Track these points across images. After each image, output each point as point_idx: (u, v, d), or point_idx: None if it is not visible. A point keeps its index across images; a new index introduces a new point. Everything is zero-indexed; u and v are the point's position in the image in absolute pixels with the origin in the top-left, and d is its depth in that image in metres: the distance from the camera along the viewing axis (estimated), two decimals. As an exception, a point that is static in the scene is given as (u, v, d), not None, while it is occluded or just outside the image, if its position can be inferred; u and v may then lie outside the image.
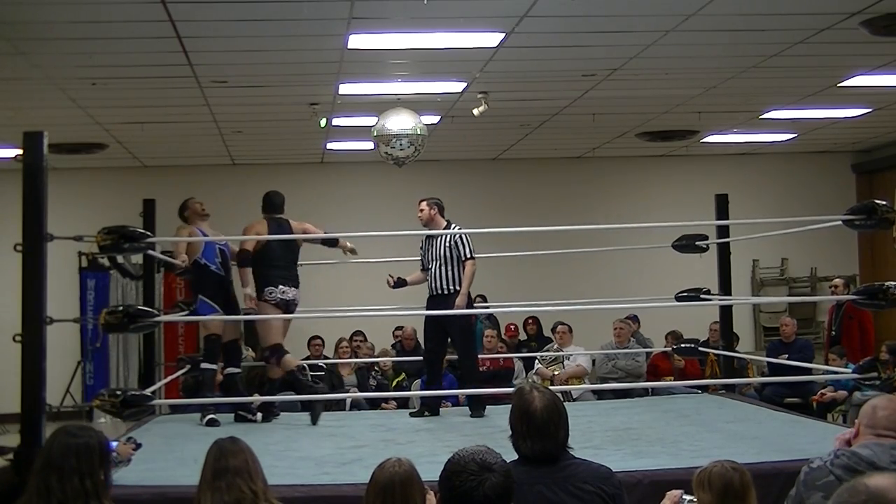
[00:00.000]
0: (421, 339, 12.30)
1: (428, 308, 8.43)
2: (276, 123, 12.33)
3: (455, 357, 11.68)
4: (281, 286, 8.18)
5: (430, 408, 8.48)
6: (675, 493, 3.85)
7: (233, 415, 8.28)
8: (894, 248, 14.85)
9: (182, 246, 8.13)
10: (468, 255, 8.28)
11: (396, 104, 10.07)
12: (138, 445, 5.79)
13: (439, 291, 8.33)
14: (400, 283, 8.74)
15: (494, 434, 6.24)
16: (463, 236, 8.31)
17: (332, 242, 8.64)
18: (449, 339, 8.61)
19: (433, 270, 8.35)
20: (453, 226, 8.45)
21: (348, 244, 8.74)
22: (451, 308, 8.11)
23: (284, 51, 9.02)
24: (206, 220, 8.42)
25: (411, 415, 8.58)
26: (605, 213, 14.90)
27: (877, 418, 3.88)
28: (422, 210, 8.52)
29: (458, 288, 8.26)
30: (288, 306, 8.24)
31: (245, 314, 8.31)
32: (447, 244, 8.30)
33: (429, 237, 8.47)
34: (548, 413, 3.72)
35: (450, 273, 8.28)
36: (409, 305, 10.28)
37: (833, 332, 11.85)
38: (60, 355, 12.39)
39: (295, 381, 8.38)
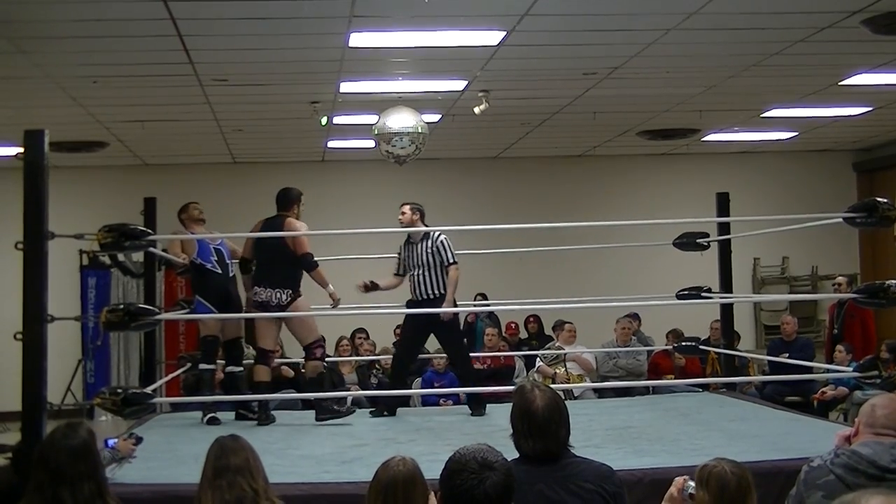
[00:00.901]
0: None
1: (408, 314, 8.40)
2: (277, 122, 12.33)
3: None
4: (255, 287, 8.02)
5: (388, 408, 8.37)
6: (680, 479, 3.84)
7: (233, 413, 8.28)
8: (895, 247, 14.84)
9: (177, 247, 8.18)
10: (451, 261, 8.28)
11: (397, 102, 10.07)
12: (139, 440, 5.79)
13: (423, 297, 8.29)
14: (373, 286, 8.66)
15: (495, 433, 6.24)
16: (444, 242, 8.30)
17: (308, 266, 8.02)
18: (442, 342, 8.64)
19: (416, 276, 8.33)
20: (436, 232, 8.37)
21: (334, 295, 8.22)
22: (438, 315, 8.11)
23: (285, 49, 9.02)
24: (202, 225, 8.44)
25: (372, 414, 8.39)
26: (606, 212, 14.90)
27: (876, 417, 3.88)
28: (403, 213, 8.43)
29: (441, 292, 8.25)
30: (264, 308, 7.95)
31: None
32: (429, 250, 8.28)
33: (408, 244, 8.44)
34: (549, 412, 3.72)
35: (433, 278, 8.27)
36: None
37: (835, 331, 11.84)
38: (61, 354, 12.39)
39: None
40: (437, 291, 8.27)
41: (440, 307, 8.12)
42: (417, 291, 8.34)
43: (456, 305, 8.52)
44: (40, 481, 3.74)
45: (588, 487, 3.66)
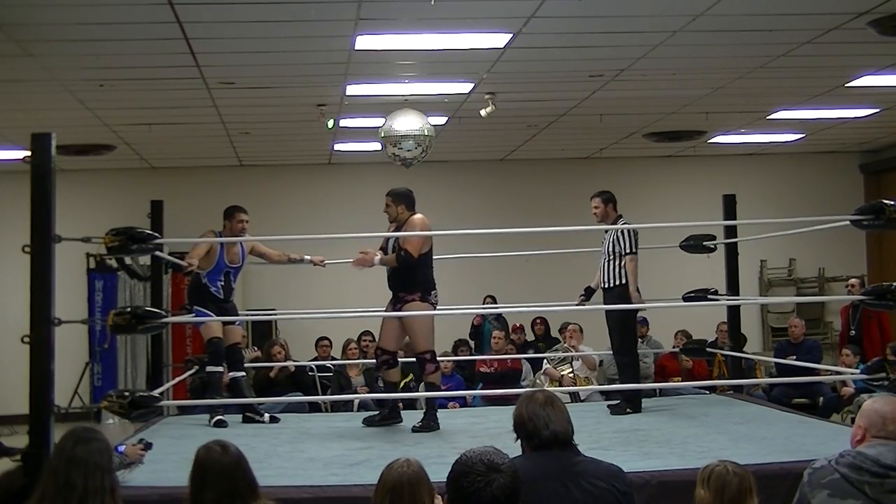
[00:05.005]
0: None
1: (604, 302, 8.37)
2: (283, 125, 12.34)
3: (460, 358, 11.76)
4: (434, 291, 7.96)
5: (632, 404, 8.27)
6: None
7: (241, 416, 8.29)
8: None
9: (201, 252, 7.95)
10: (629, 250, 8.21)
11: (404, 105, 10.07)
12: (149, 445, 5.79)
13: (603, 286, 8.38)
14: (589, 293, 8.74)
15: (502, 435, 6.23)
16: (626, 231, 8.23)
17: None
18: (609, 331, 8.54)
19: (601, 264, 8.38)
20: (622, 220, 8.37)
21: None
22: (615, 302, 8.09)
23: (292, 52, 9.03)
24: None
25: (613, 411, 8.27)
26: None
27: (889, 431, 3.85)
28: (597, 207, 8.41)
29: (618, 283, 8.22)
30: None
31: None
32: (613, 239, 8.27)
33: (606, 230, 8.39)
34: (546, 404, 3.77)
35: (613, 268, 8.27)
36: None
37: (852, 332, 11.80)
38: (68, 357, 12.42)
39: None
40: (613, 281, 8.26)
41: (617, 300, 8.11)
42: (600, 278, 8.40)
43: (639, 294, 8.27)
44: (55, 467, 3.75)
45: (600, 486, 3.68)
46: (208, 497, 3.78)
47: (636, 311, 8.56)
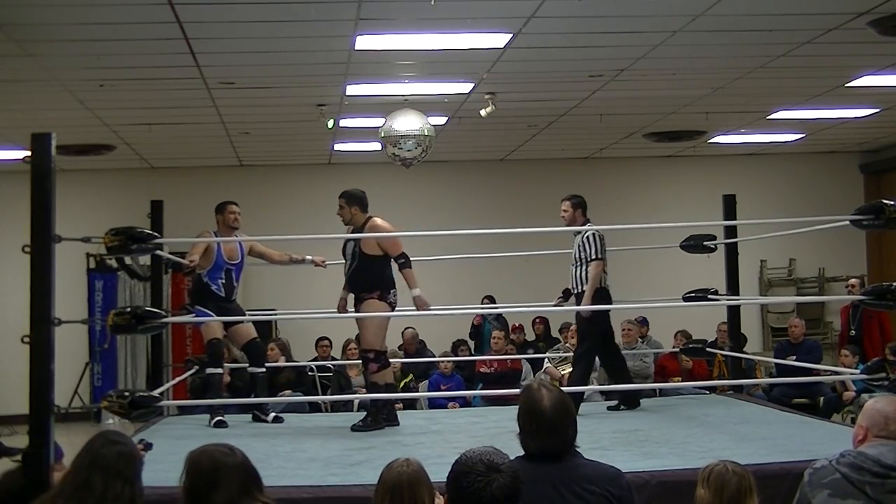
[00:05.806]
0: (427, 341, 12.39)
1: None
2: (283, 125, 12.34)
3: (460, 358, 11.77)
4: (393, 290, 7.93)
5: (626, 401, 8.46)
6: None
7: (250, 415, 8.26)
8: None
9: (199, 251, 7.95)
10: (593, 256, 8.18)
11: (404, 105, 10.08)
12: (149, 446, 5.78)
13: (574, 290, 8.38)
14: (566, 294, 8.71)
15: (502, 434, 6.23)
16: (591, 237, 8.20)
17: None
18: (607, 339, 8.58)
19: (571, 270, 8.38)
20: (588, 225, 8.36)
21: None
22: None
23: (292, 52, 9.03)
24: (234, 232, 8.25)
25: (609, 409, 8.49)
26: (613, 214, 14.84)
27: (889, 431, 3.85)
28: (565, 211, 8.41)
29: (585, 289, 8.22)
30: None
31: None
32: (578, 244, 8.28)
33: (575, 235, 8.38)
34: (556, 411, 3.71)
35: (580, 273, 8.28)
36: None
37: (853, 332, 11.79)
38: (69, 357, 12.41)
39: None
40: (581, 287, 8.28)
41: (580, 304, 8.14)
42: (572, 285, 8.42)
43: (604, 301, 8.26)
44: (78, 464, 3.72)
45: (594, 490, 3.64)
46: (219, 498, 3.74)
47: (606, 315, 8.48)
